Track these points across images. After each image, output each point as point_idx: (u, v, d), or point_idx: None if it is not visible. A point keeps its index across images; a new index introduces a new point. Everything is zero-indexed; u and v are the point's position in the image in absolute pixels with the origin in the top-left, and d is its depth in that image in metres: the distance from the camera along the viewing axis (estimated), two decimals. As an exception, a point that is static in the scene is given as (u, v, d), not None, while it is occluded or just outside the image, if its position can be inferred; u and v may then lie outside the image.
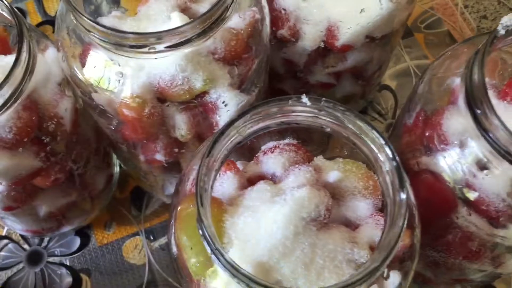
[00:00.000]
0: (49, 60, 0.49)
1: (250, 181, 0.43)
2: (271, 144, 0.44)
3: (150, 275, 0.62)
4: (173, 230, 0.38)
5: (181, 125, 0.46)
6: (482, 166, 0.42)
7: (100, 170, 0.61)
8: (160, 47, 0.39)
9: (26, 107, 0.45)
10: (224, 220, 0.38)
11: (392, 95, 0.73)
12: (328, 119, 0.36)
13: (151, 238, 0.64)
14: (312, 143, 0.45)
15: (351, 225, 0.41)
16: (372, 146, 0.35)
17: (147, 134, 0.45)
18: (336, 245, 0.37)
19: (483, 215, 0.43)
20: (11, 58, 0.44)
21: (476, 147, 0.40)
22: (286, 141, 0.44)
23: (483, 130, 0.38)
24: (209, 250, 0.32)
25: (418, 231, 0.39)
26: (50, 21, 0.77)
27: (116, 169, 0.65)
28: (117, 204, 0.66)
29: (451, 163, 0.43)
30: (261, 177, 0.43)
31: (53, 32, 0.48)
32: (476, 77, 0.37)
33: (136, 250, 0.64)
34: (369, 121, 0.35)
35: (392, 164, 0.33)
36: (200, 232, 0.32)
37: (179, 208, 0.38)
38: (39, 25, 0.77)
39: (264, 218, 0.37)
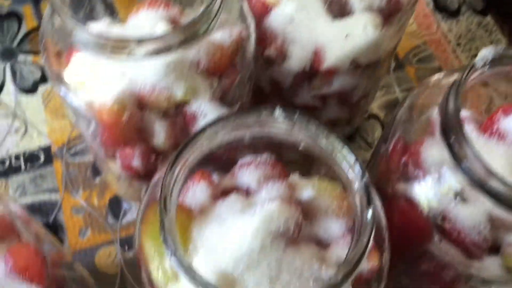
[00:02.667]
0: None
1: (224, 194, 0.42)
2: (248, 158, 0.44)
3: (121, 285, 0.61)
4: (138, 236, 0.38)
5: (160, 133, 0.46)
6: (459, 197, 0.42)
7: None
8: (140, 52, 0.39)
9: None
10: (191, 228, 0.37)
11: (379, 124, 0.73)
12: (301, 135, 0.36)
13: (126, 248, 0.63)
14: (290, 161, 0.45)
15: (322, 245, 0.40)
16: (343, 164, 0.35)
17: (124, 140, 0.45)
18: (304, 262, 0.37)
19: (458, 246, 0.43)
20: None
21: (453, 178, 0.40)
22: (264, 156, 0.44)
23: (457, 159, 0.37)
24: (169, 254, 0.32)
25: (387, 254, 0.39)
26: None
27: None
28: (93, 211, 0.65)
29: (427, 192, 0.43)
30: (235, 190, 0.43)
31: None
32: (451, 106, 0.37)
33: (109, 259, 0.63)
34: (342, 138, 0.35)
35: (361, 182, 0.33)
36: (161, 235, 0.32)
37: (146, 212, 0.38)
38: (34, 30, 0.78)
39: (232, 229, 0.37)
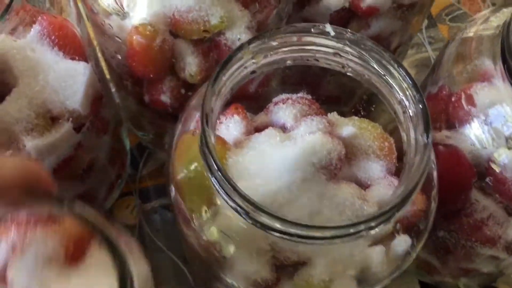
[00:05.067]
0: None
1: (258, 131, 0.40)
2: (283, 95, 0.42)
3: (139, 237, 0.59)
4: (171, 168, 0.35)
5: (192, 63, 0.43)
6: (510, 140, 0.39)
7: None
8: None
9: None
10: (227, 157, 0.35)
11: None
12: (350, 56, 0.33)
13: (145, 199, 0.61)
14: (325, 100, 0.43)
15: (362, 186, 0.38)
16: (397, 87, 0.32)
17: (154, 68, 0.43)
18: (345, 199, 0.35)
19: (503, 195, 0.41)
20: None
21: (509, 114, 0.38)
22: (300, 94, 0.42)
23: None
24: (208, 170, 0.29)
25: (434, 194, 0.36)
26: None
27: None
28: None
29: (477, 136, 0.40)
30: (270, 127, 0.40)
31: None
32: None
33: (128, 210, 0.61)
34: (396, 58, 0.32)
35: (418, 107, 0.30)
36: (202, 152, 0.29)
37: (180, 138, 0.35)
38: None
39: (271, 159, 0.34)
